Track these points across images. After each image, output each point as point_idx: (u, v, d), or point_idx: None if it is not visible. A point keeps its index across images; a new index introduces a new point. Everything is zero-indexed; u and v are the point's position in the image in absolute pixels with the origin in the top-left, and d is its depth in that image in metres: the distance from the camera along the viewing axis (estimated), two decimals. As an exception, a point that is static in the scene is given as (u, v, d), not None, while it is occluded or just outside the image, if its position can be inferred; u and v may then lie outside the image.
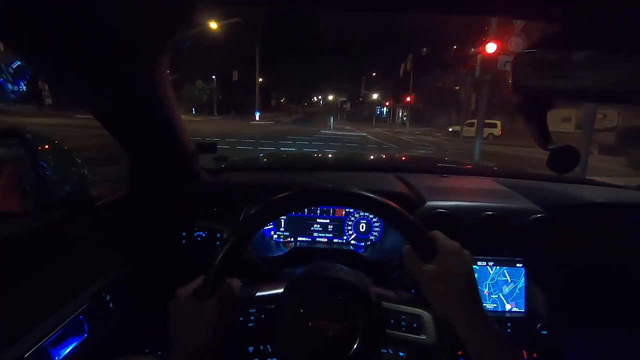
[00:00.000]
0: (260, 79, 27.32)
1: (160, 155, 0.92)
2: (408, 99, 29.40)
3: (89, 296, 0.71)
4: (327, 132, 21.26)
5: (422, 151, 13.37)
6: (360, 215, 1.12)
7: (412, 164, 1.69)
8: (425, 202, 1.00)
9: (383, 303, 0.63)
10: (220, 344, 0.56)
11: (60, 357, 0.62)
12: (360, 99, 57.34)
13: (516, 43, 6.93)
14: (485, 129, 12.03)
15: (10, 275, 0.63)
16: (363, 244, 1.12)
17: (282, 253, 1.05)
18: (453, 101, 28.58)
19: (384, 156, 2.38)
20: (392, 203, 0.58)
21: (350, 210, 1.12)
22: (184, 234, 0.99)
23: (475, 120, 13.31)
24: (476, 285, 0.57)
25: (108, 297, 0.75)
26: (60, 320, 0.63)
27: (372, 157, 2.12)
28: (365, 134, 21.43)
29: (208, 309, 0.55)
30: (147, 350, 0.76)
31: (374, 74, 55.35)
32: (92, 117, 0.81)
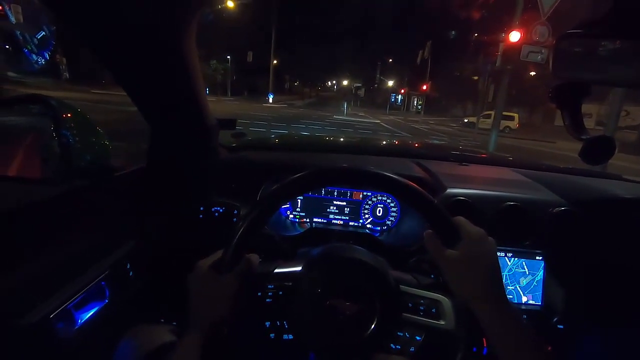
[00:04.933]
0: (275, 61, 27.05)
1: (182, 128, 0.92)
2: (424, 87, 28.76)
3: (110, 263, 0.72)
4: (340, 117, 21.08)
5: (436, 141, 13.17)
6: (377, 199, 1.11)
7: (431, 150, 1.66)
8: (446, 189, 0.99)
9: (401, 287, 0.63)
10: (237, 317, 0.57)
11: (83, 320, 0.63)
12: (375, 85, 56.37)
13: (541, 32, 6.68)
14: (502, 121, 11.75)
15: (34, 239, 0.64)
16: (379, 228, 1.11)
17: (297, 233, 1.05)
18: (470, 91, 27.90)
19: (400, 142, 2.36)
20: (415, 185, 0.57)
21: (368, 193, 1.11)
22: (201, 208, 1.00)
23: (491, 112, 13.02)
24: (500, 273, 0.56)
25: (128, 266, 0.77)
26: (84, 285, 0.64)
27: (388, 141, 2.10)
28: (378, 121, 21.18)
29: (227, 282, 0.55)
30: (162, 320, 0.77)
31: (390, 60, 54.24)
32: (106, 92, 0.81)
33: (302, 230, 1.07)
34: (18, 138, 0.85)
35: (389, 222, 1.11)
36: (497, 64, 8.40)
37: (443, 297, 0.62)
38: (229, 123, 1.09)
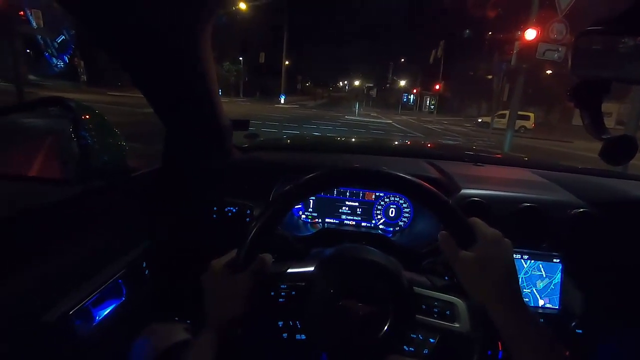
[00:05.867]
0: (287, 62, 27.15)
1: (197, 129, 0.93)
2: (437, 86, 28.44)
3: (127, 262, 0.73)
4: (352, 117, 21.02)
5: (450, 142, 13.00)
6: (390, 200, 1.11)
7: (444, 151, 1.64)
8: (460, 190, 0.97)
9: (415, 288, 0.62)
10: (250, 317, 0.57)
11: (100, 318, 0.65)
12: (387, 85, 56.05)
13: (559, 30, 6.52)
14: (517, 120, 11.52)
15: (53, 238, 0.66)
16: (392, 229, 1.11)
17: (309, 233, 1.05)
18: (484, 91, 27.41)
19: (413, 142, 2.34)
20: (429, 186, 0.57)
21: (380, 194, 1.10)
22: (214, 208, 1.01)
23: (506, 112, 12.78)
24: (517, 275, 0.55)
25: (144, 265, 0.78)
26: (101, 283, 0.66)
27: (401, 142, 2.09)
28: (391, 122, 21.03)
29: (240, 282, 0.55)
30: (176, 319, 0.78)
31: (402, 60, 53.82)
32: (121, 94, 0.83)
33: (314, 231, 1.07)
34: (38, 139, 0.88)
35: (401, 223, 1.11)
36: (512, 63, 8.21)
37: (457, 299, 0.62)
38: (242, 124, 1.10)
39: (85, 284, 0.64)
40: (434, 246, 0.90)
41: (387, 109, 36.08)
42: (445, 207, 0.56)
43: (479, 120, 22.93)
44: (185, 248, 0.95)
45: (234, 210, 1.00)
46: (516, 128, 11.95)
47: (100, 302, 0.65)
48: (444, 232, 0.58)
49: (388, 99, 46.17)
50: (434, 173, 1.09)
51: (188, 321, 0.72)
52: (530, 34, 7.03)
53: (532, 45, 7.02)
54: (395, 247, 1.01)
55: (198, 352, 0.52)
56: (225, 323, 0.54)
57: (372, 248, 0.67)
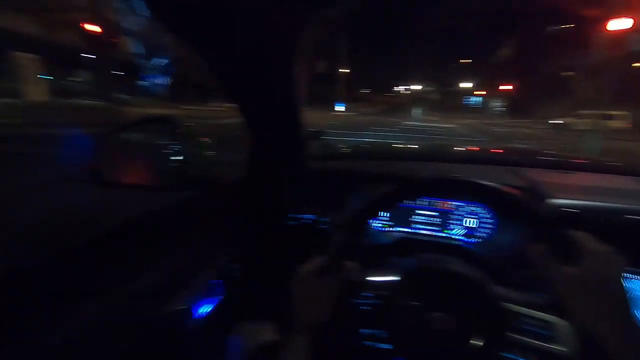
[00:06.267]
0: (344, 70, 27.41)
1: (281, 139, 0.98)
2: (506, 87, 26.47)
3: (222, 265, 0.80)
4: (412, 123, 20.48)
5: (522, 146, 11.98)
6: (469, 210, 1.05)
7: (526, 157, 1.51)
8: (550, 200, 0.89)
9: (506, 304, 0.59)
10: (337, 323, 0.58)
11: (202, 315, 0.71)
12: (449, 88, 53.66)
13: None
14: (605, 121, 10.23)
15: (160, 242, 0.74)
16: (472, 240, 1.05)
17: (384, 242, 1.04)
18: (561, 89, 24.88)
19: (488, 148, 2.20)
20: (524, 196, 0.53)
21: (458, 203, 1.06)
22: (291, 215, 1.05)
23: (590, 111, 11.41)
24: (629, 296, 0.49)
25: (235, 268, 0.84)
26: (202, 284, 0.72)
27: (477, 148, 1.97)
28: (453, 126, 20.05)
29: (327, 287, 0.57)
30: (263, 320, 0.83)
31: (466, 61, 51.24)
32: (192, 108, 0.91)
33: (387, 239, 1.05)
34: (139, 151, 1.00)
35: (482, 234, 1.04)
36: (597, 57, 7.35)
37: (557, 318, 0.57)
38: (315, 134, 1.13)
39: (190, 283, 0.71)
40: (524, 259, 0.84)
41: (449, 113, 34.45)
42: (544, 219, 0.53)
43: (556, 121, 20.80)
44: (268, 253, 1.00)
45: (311, 218, 1.04)
46: (603, 129, 10.60)
47: (201, 301, 0.72)
48: (539, 245, 0.54)
49: (450, 102, 44.24)
50: (518, 181, 1.02)
51: (275, 323, 0.75)
52: (623, 23, 6.24)
53: (622, 36, 6.22)
54: (477, 259, 0.96)
55: (292, 354, 0.55)
56: (314, 328, 0.56)
57: (455, 259, 0.65)
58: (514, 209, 0.56)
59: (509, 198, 0.55)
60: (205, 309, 0.74)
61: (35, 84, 16.75)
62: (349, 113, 26.16)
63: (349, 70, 27.05)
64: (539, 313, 0.58)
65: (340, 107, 26.68)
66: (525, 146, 10.72)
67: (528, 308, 0.59)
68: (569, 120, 17.78)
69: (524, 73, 28.87)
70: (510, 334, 0.57)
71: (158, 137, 0.97)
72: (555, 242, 0.52)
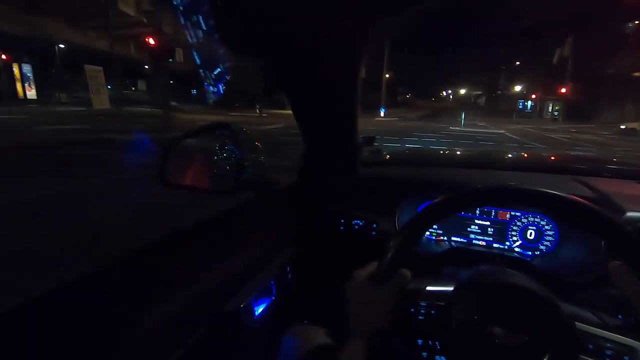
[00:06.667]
0: (387, 75, 27.12)
1: (336, 145, 1.00)
2: (562, 90, 24.61)
3: (277, 266, 0.83)
4: (457, 128, 19.69)
5: (582, 153, 11.03)
6: (528, 221, 0.99)
7: (592, 165, 1.39)
8: (625, 213, 0.82)
9: (578, 324, 0.54)
10: (391, 331, 0.58)
11: (258, 313, 0.74)
12: (498, 92, 51.00)
13: None
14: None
15: (221, 243, 0.78)
16: (531, 252, 0.99)
17: (437, 251, 1.02)
18: (627, 91, 22.61)
19: (548, 155, 2.05)
20: (604, 211, 0.49)
21: (516, 213, 1.00)
22: (342, 221, 1.06)
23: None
24: None
25: (289, 269, 0.87)
26: (259, 283, 0.76)
27: (535, 156, 1.85)
28: (502, 131, 18.98)
29: (382, 294, 0.56)
30: (315, 322, 0.84)
31: (518, 63, 48.40)
32: (238, 114, 0.95)
33: (439, 249, 1.02)
34: (197, 156, 1.06)
35: (543, 247, 0.98)
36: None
37: (638, 343, 0.52)
38: (368, 140, 1.14)
39: (251, 282, 0.75)
40: (597, 276, 0.77)
41: (498, 118, 32.74)
42: (627, 234, 0.48)
43: (623, 127, 18.93)
44: (320, 257, 1.02)
45: (360, 223, 1.04)
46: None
47: (258, 300, 0.75)
48: (617, 262, 0.50)
49: (499, 107, 42.04)
50: (587, 192, 0.94)
51: (326, 326, 0.76)
52: None
53: None
54: (538, 273, 0.90)
55: (346, 359, 0.55)
56: (371, 334, 0.56)
57: (519, 273, 0.62)
58: (589, 222, 0.52)
59: (584, 210, 0.51)
60: (260, 309, 0.77)
61: (100, 93, 18.53)
62: (391, 118, 25.80)
63: (387, 76, 26.66)
64: (617, 336, 0.53)
65: (383, 113, 26.42)
66: (588, 153, 9.84)
67: (603, 330, 0.54)
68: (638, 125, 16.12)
69: (583, 74, 26.62)
70: (584, 357, 0.53)
71: (218, 143, 1.03)
72: (636, 259, 0.48)
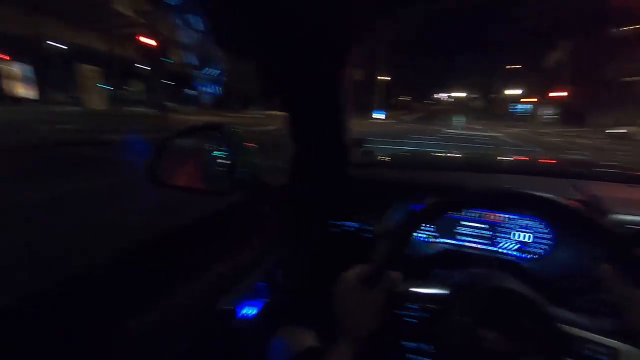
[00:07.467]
0: (382, 77, 27.24)
1: (326, 147, 0.99)
2: (558, 93, 24.83)
3: (267, 268, 0.82)
4: (453, 131, 19.82)
5: (577, 157, 11.11)
6: (522, 224, 0.98)
7: (583, 169, 1.39)
8: (611, 215, 0.81)
9: (569, 328, 0.54)
10: (379, 333, 0.57)
11: (247, 315, 0.73)
12: (494, 95, 51.37)
13: None
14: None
15: (213, 244, 0.77)
16: (526, 255, 0.98)
17: (429, 253, 1.01)
18: (624, 95, 22.85)
19: (539, 158, 2.06)
20: (595, 213, 0.49)
21: (511, 216, 0.99)
22: (334, 223, 1.04)
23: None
24: None
25: (279, 272, 0.86)
26: (250, 285, 0.75)
27: (527, 158, 1.86)
28: (499, 134, 19.11)
29: (371, 297, 0.55)
30: (304, 325, 0.83)
31: (513, 67, 48.84)
32: (235, 115, 0.94)
33: (431, 251, 1.01)
34: (190, 157, 1.05)
35: (538, 250, 0.97)
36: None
37: (624, 345, 0.51)
38: (358, 141, 1.13)
39: (240, 284, 0.73)
40: (590, 281, 0.77)
41: (495, 121, 32.98)
42: (618, 237, 0.48)
43: (616, 131, 19.08)
44: (310, 259, 1.01)
45: (353, 225, 1.03)
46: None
47: (248, 301, 0.74)
48: (608, 265, 0.49)
49: (495, 110, 42.37)
50: (577, 195, 0.93)
51: (314, 328, 0.75)
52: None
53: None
54: (532, 278, 0.89)
55: None
56: (359, 336, 0.55)
57: (510, 276, 0.61)
58: (580, 225, 0.51)
59: (576, 213, 0.50)
60: (250, 311, 0.76)
61: (94, 93, 18.48)
62: (387, 121, 25.87)
63: (389, 78, 26.77)
64: (604, 338, 0.53)
65: (379, 115, 26.42)
66: (581, 157, 9.93)
67: (591, 332, 0.54)
68: (633, 129, 16.29)
69: (579, 78, 26.86)
70: None
71: (210, 143, 1.01)
72: (628, 263, 0.47)
